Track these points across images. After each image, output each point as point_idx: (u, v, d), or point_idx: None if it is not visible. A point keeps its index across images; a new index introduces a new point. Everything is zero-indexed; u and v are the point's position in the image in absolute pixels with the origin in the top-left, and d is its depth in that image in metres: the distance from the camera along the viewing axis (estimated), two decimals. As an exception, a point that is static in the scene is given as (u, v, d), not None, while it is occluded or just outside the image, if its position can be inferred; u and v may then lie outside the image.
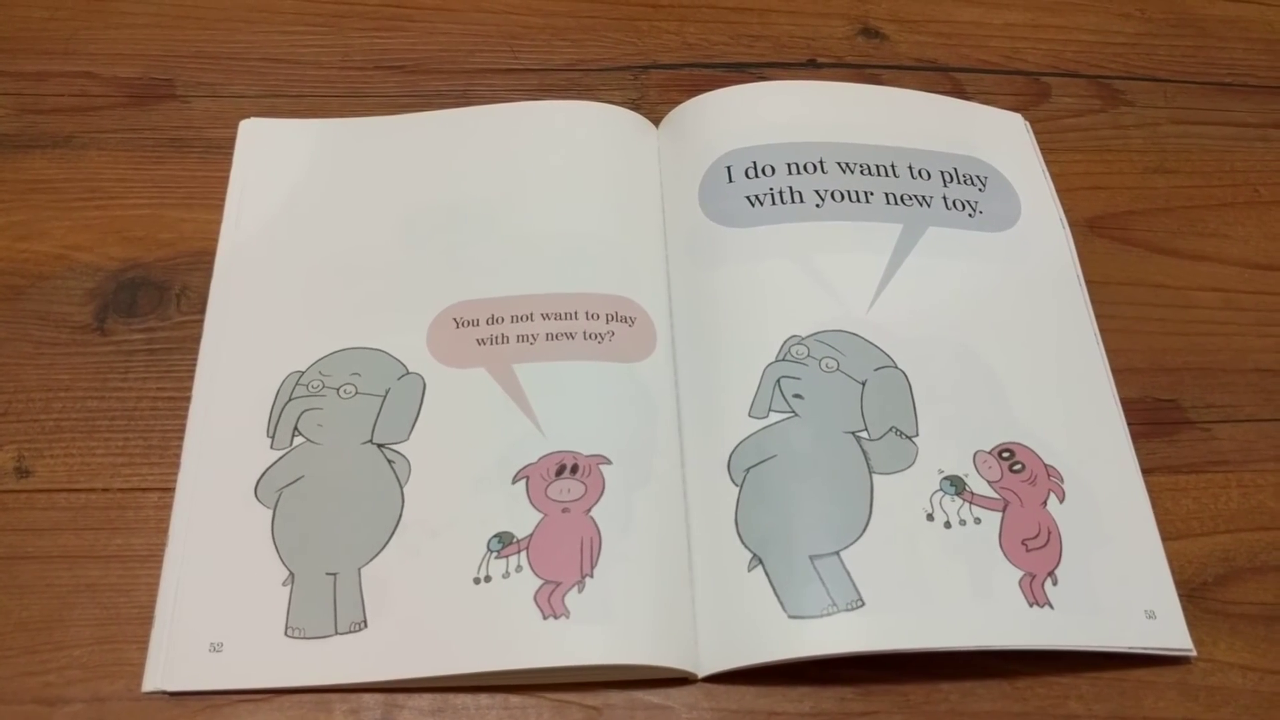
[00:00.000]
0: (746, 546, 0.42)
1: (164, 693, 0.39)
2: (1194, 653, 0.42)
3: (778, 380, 0.45)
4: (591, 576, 0.41)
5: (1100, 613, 0.42)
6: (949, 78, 0.59)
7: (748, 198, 0.50)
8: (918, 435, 0.44)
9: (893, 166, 0.52)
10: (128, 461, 0.44)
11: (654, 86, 0.57)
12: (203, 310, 0.47)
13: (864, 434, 0.44)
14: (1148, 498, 0.45)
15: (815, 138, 0.53)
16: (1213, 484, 0.47)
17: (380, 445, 0.44)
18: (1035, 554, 0.42)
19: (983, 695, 0.41)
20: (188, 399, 0.45)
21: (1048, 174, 0.54)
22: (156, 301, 0.48)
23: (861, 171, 0.52)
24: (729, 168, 0.51)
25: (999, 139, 0.55)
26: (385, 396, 0.45)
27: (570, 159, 0.52)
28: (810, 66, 0.59)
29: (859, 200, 0.51)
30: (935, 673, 0.41)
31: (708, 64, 0.58)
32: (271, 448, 0.44)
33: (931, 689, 0.41)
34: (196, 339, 0.46)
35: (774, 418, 0.44)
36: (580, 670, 0.40)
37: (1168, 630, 0.42)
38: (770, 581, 0.41)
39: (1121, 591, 0.42)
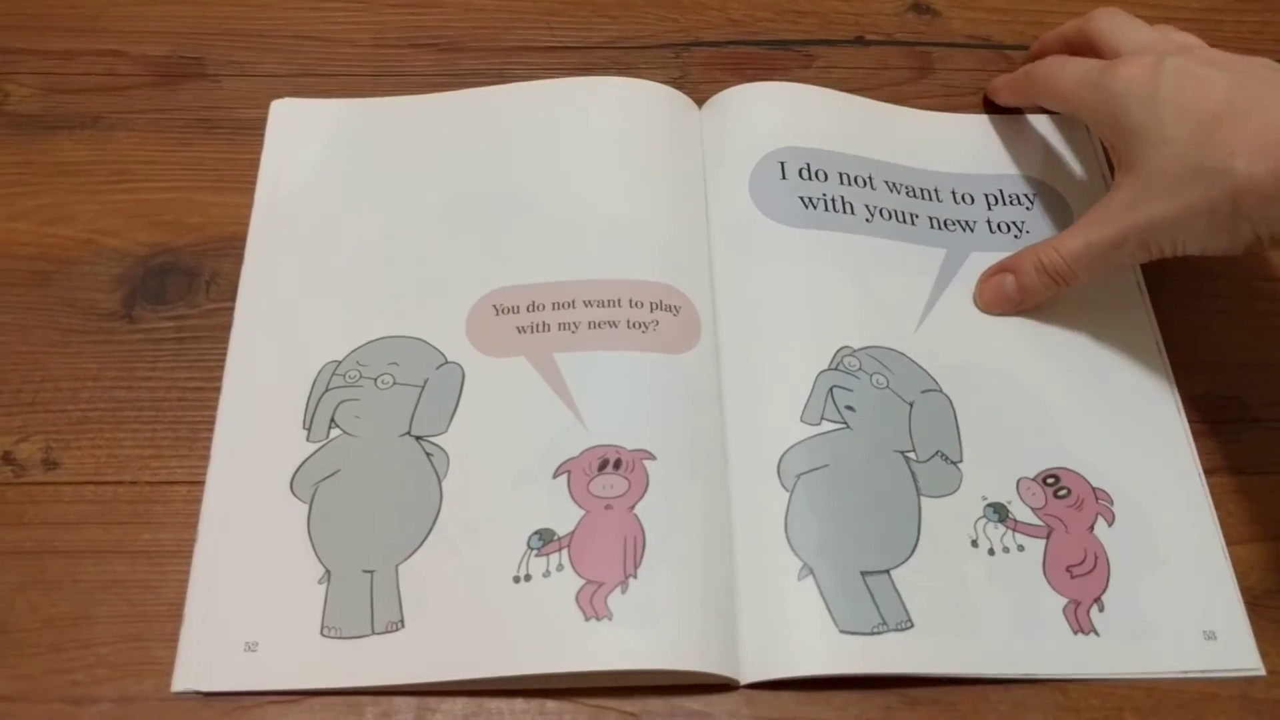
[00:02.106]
0: (797, 555, 0.41)
1: (196, 693, 0.38)
2: (1261, 671, 0.40)
3: (830, 389, 0.44)
4: (635, 577, 0.39)
5: (1152, 638, 0.41)
6: (1003, 56, 0.57)
7: (801, 198, 0.49)
8: (962, 461, 0.44)
9: (936, 191, 0.51)
10: (156, 454, 0.43)
11: (696, 65, 0.55)
12: (233, 297, 0.46)
13: (912, 455, 0.43)
14: (1213, 515, 0.44)
15: (864, 153, 0.51)
16: (1278, 486, 0.45)
17: (419, 438, 0.43)
18: (1080, 581, 0.42)
19: (1034, 706, 0.40)
20: (217, 389, 0.44)
21: (1108, 175, 0.52)
22: (185, 288, 0.47)
23: (907, 193, 0.51)
24: (782, 164, 0.50)
25: (1052, 150, 0.53)
26: (424, 387, 0.44)
27: (613, 139, 0.50)
28: (858, 44, 0.56)
29: (905, 221, 0.50)
30: (984, 680, 0.40)
31: (752, 41, 0.56)
32: (307, 440, 0.43)
33: (980, 698, 0.40)
34: (226, 327, 0.45)
35: (825, 426, 0.43)
36: (620, 674, 0.38)
37: (1229, 651, 0.41)
38: (821, 593, 0.40)
39: (1177, 614, 0.41)
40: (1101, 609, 0.41)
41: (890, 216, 0.50)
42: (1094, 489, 0.44)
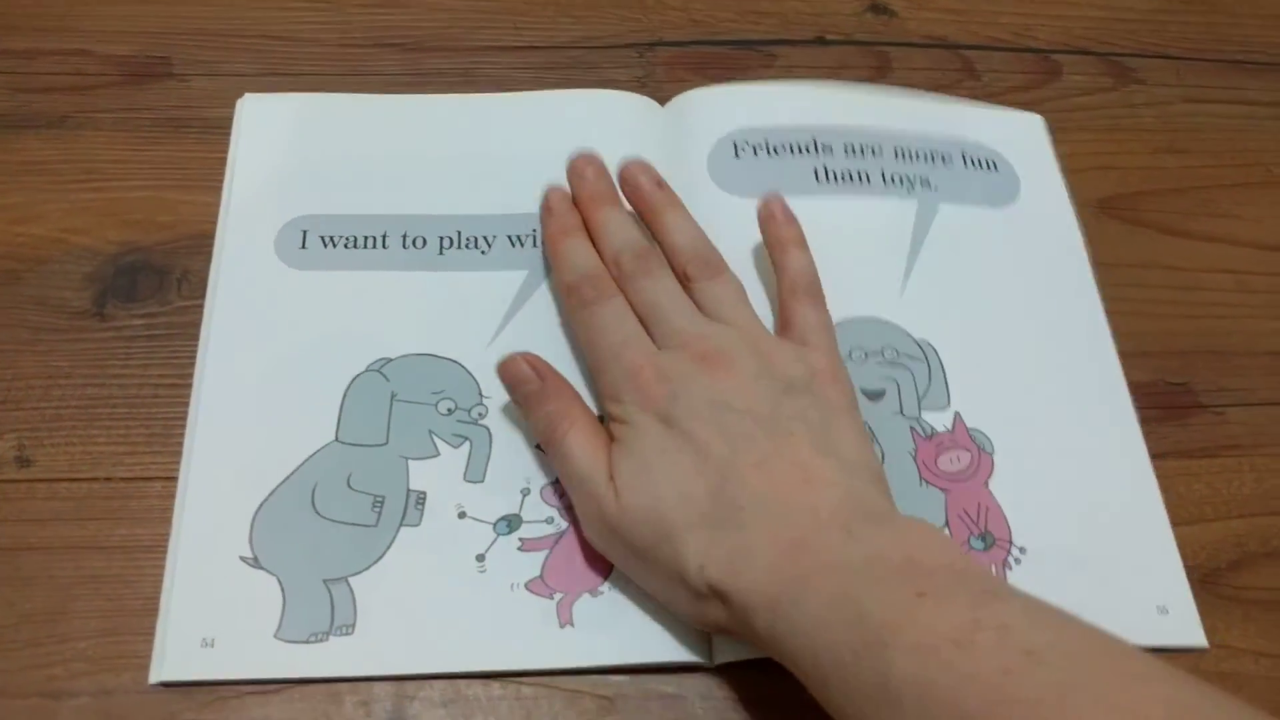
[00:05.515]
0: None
1: (164, 684, 0.38)
2: (1207, 646, 0.42)
3: None
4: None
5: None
6: (959, 55, 0.58)
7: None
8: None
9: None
10: (130, 450, 0.43)
11: (660, 64, 0.56)
12: (203, 294, 0.46)
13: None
14: (1158, 489, 0.45)
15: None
16: (1225, 468, 0.46)
17: None
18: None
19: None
20: (189, 386, 0.44)
21: (1062, 166, 0.54)
22: (156, 286, 0.47)
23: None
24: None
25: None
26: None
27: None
28: (818, 44, 0.58)
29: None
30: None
31: (714, 41, 0.57)
32: None
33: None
34: (198, 324, 0.45)
35: None
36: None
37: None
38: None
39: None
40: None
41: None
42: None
